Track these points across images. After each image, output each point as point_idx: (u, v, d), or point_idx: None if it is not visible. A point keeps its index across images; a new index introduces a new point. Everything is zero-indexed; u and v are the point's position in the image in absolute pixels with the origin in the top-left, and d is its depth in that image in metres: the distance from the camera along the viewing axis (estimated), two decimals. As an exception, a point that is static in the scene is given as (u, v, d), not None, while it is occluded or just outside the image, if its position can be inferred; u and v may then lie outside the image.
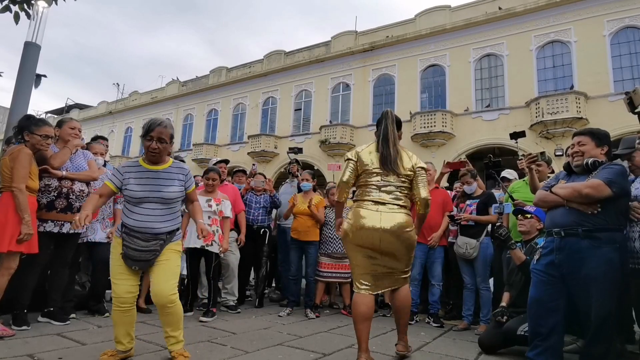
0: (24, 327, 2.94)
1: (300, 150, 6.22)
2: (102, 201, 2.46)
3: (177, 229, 2.53)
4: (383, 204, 2.66)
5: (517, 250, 3.21)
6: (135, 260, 2.36)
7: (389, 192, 2.69)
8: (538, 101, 14.65)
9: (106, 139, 4.46)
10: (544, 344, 2.55)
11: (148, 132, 2.36)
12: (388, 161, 2.69)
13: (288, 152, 5.82)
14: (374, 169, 2.71)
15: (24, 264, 3.03)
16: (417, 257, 4.24)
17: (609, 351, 2.37)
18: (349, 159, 2.80)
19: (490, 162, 4.34)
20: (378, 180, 2.70)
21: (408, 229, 2.65)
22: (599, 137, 2.67)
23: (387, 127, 2.77)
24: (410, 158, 2.79)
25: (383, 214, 2.63)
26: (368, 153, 2.77)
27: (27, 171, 2.87)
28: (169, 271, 2.43)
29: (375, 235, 2.60)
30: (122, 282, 2.38)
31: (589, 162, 2.56)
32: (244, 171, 5.53)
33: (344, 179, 2.75)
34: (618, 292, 2.43)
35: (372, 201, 2.67)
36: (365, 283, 2.67)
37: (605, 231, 2.39)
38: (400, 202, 2.69)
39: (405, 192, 2.74)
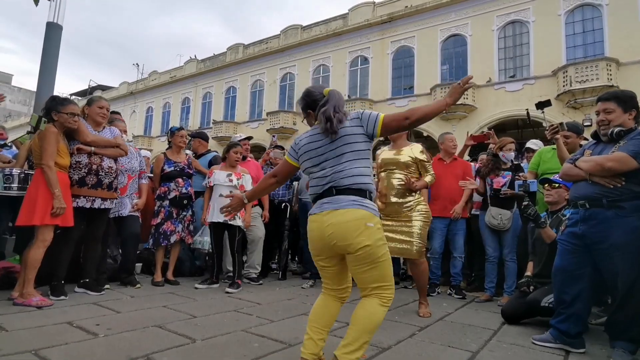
0: (61, 297, 3.11)
1: None
2: None
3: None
4: None
5: (548, 229, 3.12)
6: None
7: None
8: (566, 69, 14.04)
9: (119, 113, 4.50)
10: (567, 311, 2.55)
11: None
12: None
13: None
14: None
15: (59, 239, 3.17)
16: (437, 229, 4.24)
17: (635, 320, 2.35)
18: None
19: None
20: None
21: None
22: (625, 101, 2.50)
23: None
24: None
25: None
26: None
27: (54, 148, 3.00)
28: None
29: None
30: None
31: (614, 132, 2.45)
32: (249, 137, 5.35)
33: None
34: None
35: None
36: None
37: (631, 200, 2.32)
38: None
39: None
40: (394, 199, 3.34)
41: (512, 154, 4.19)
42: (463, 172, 4.39)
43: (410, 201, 3.34)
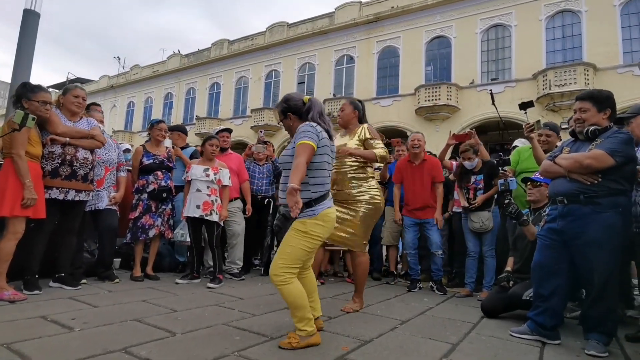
0: (35, 292, 3.00)
1: None
2: None
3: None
4: None
5: (530, 226, 3.16)
6: None
7: None
8: (545, 73, 14.38)
9: (99, 105, 4.39)
10: (544, 304, 2.61)
11: None
12: None
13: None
14: None
15: (32, 231, 3.07)
16: (407, 225, 4.29)
17: (608, 314, 2.41)
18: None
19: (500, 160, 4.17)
20: None
21: None
22: (601, 101, 2.56)
23: None
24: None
25: None
26: None
27: (24, 137, 2.88)
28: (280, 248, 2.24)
29: None
30: None
31: (589, 130, 2.52)
32: (228, 130, 5.25)
33: None
34: (620, 256, 2.45)
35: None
36: None
37: (607, 196, 2.38)
38: None
39: None
40: (346, 186, 3.21)
41: (475, 161, 4.25)
42: (430, 173, 4.31)
43: (361, 190, 3.20)
